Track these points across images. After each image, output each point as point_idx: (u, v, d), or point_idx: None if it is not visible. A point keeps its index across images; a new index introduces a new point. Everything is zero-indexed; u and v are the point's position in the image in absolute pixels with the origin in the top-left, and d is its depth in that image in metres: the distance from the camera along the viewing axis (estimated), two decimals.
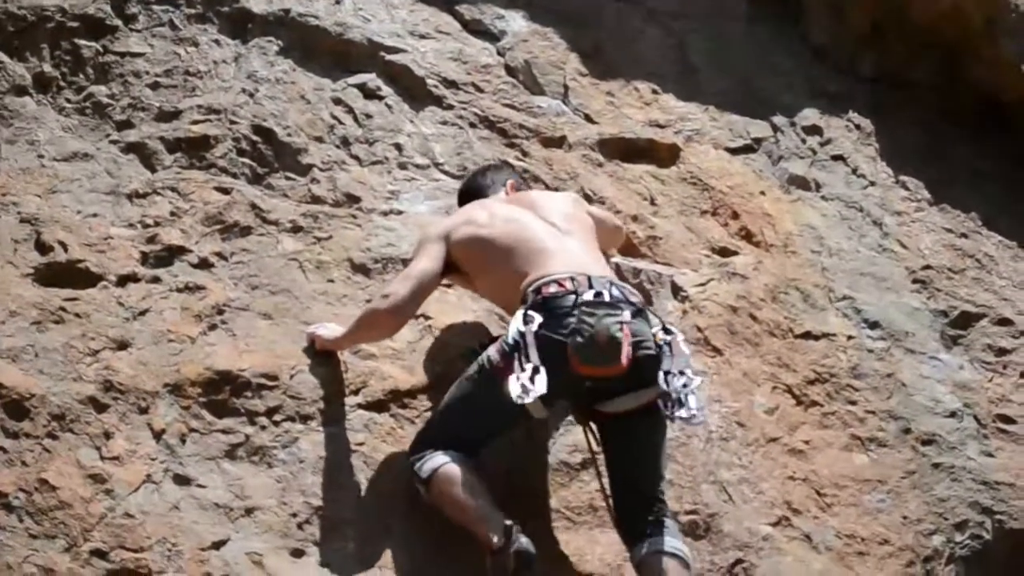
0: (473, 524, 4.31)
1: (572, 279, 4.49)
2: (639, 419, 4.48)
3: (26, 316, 4.64)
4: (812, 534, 5.09)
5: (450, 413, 4.53)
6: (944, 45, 7.16)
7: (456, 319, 5.09)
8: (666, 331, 4.53)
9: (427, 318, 5.03)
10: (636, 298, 4.59)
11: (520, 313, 4.43)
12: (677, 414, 4.34)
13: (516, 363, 4.31)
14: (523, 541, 4.12)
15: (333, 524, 4.47)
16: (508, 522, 4.17)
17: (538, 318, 4.39)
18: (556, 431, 4.89)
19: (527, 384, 4.24)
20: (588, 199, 5.75)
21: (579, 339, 4.34)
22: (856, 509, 5.23)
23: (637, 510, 4.46)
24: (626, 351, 4.34)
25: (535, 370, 4.26)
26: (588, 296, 4.41)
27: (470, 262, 4.81)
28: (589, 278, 4.50)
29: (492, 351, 4.48)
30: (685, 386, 4.36)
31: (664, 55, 6.71)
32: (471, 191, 5.21)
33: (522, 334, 4.36)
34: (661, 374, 4.38)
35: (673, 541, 4.40)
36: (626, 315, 4.41)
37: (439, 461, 4.38)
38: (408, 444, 4.60)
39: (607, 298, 4.43)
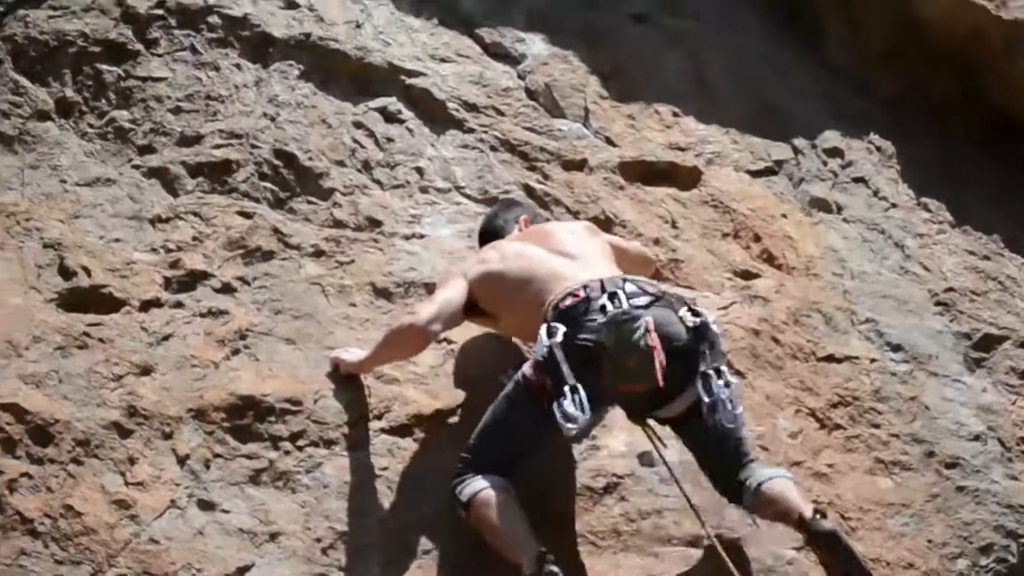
0: (507, 548, 4.35)
1: (585, 287, 4.54)
2: (697, 411, 4.51)
3: (50, 341, 4.65)
4: None
5: (487, 433, 4.55)
6: (962, 64, 7.18)
7: (479, 344, 5.09)
8: (694, 313, 4.56)
9: (450, 342, 5.03)
10: (653, 288, 4.62)
11: (544, 327, 4.48)
12: (725, 423, 4.43)
13: (549, 382, 4.35)
14: (554, 570, 4.16)
15: (357, 549, 4.46)
16: (542, 549, 4.21)
17: (561, 328, 4.43)
18: (581, 456, 4.89)
19: (569, 411, 4.27)
20: (609, 222, 5.77)
21: (609, 360, 4.38)
22: (881, 533, 5.20)
23: (731, 472, 4.60)
24: (659, 363, 4.35)
25: (573, 390, 4.30)
26: (603, 299, 4.46)
27: (489, 299, 4.84)
28: (601, 282, 4.55)
29: (526, 367, 4.51)
30: (727, 385, 4.44)
31: (684, 77, 6.72)
32: (487, 234, 5.24)
33: (549, 347, 4.39)
34: (699, 382, 4.43)
35: (770, 470, 4.60)
36: (648, 316, 4.43)
37: (478, 486, 4.42)
38: (433, 468, 4.63)
39: (623, 296, 4.48)
